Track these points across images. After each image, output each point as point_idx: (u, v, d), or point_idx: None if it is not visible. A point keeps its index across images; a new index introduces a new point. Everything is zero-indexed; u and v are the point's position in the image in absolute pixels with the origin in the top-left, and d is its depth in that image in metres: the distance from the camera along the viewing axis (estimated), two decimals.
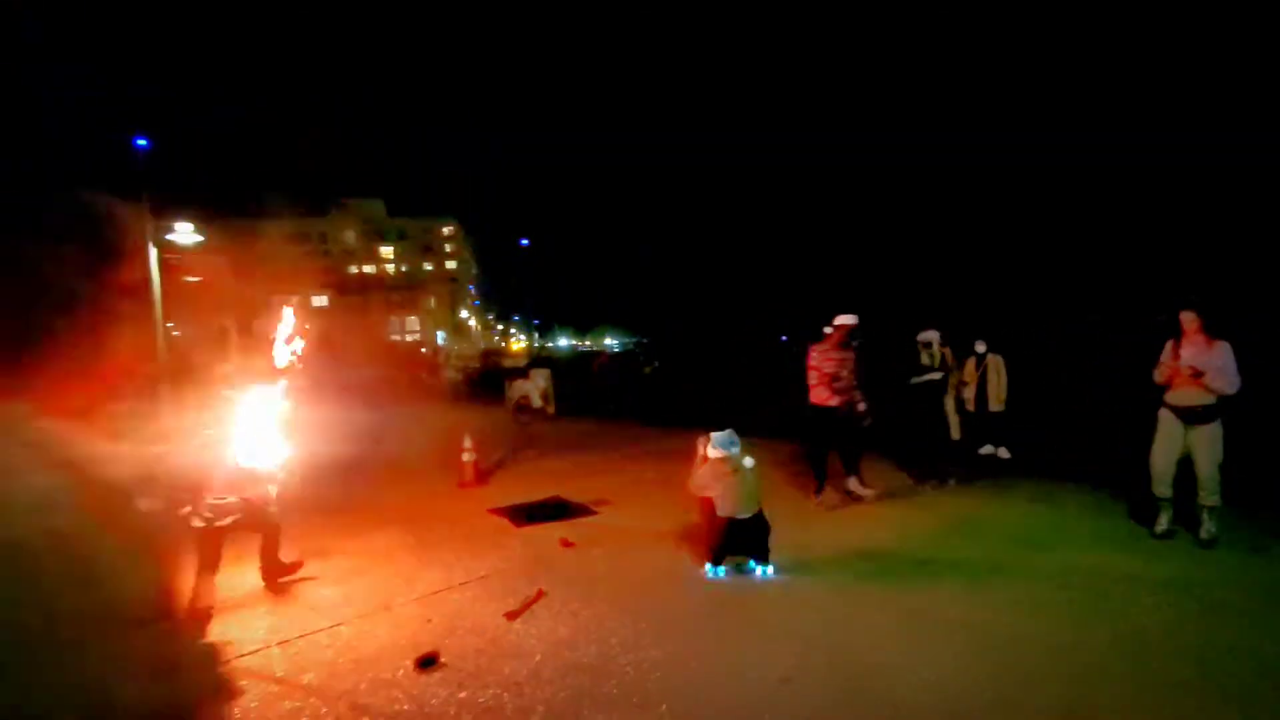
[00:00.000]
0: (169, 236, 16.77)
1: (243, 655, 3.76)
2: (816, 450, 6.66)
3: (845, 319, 6.58)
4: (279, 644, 3.88)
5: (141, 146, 15.18)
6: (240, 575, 5.16)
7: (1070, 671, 3.28)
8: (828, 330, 6.63)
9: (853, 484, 6.69)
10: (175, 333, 16.91)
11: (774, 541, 4.74)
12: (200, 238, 17.05)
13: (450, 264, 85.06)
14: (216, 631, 4.08)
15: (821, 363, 6.52)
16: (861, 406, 6.55)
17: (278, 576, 4.90)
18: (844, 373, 6.54)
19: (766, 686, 3.23)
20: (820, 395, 6.48)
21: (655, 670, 3.42)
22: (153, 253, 15.98)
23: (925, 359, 7.75)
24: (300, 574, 5.03)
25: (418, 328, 70.30)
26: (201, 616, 4.20)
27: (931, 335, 7.83)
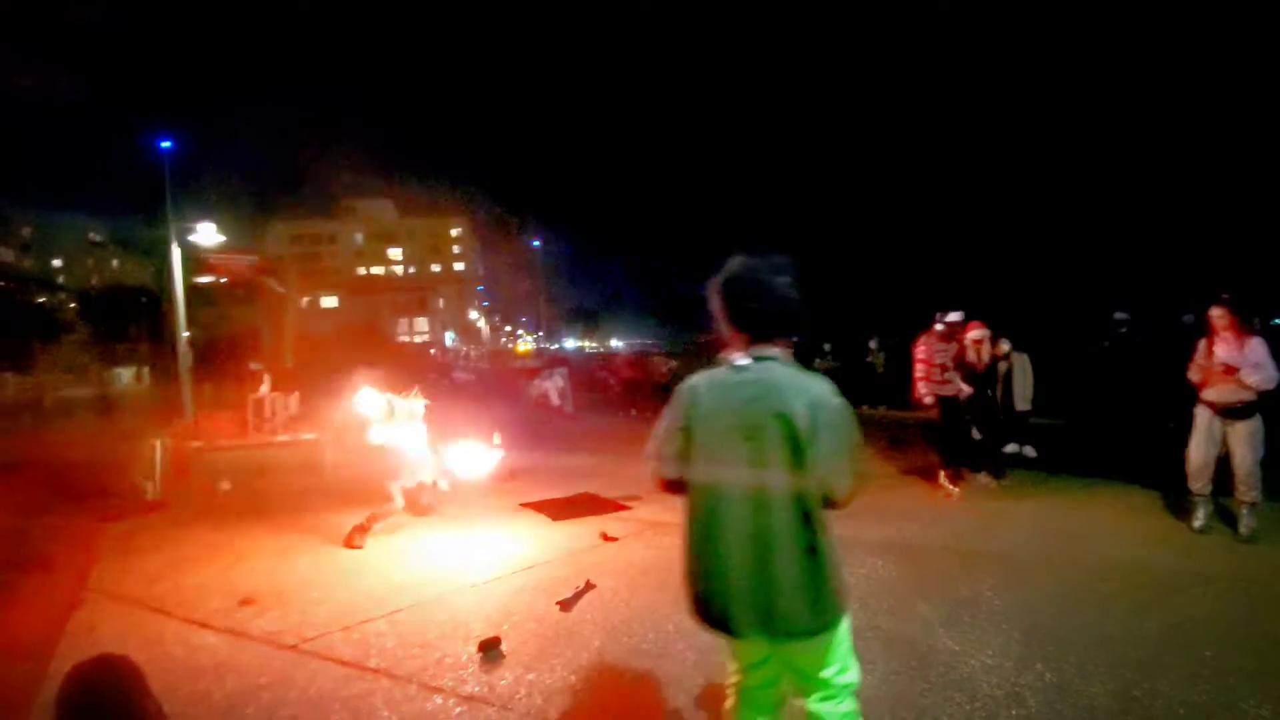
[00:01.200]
0: (191, 238, 16.93)
1: (307, 639, 3.85)
2: (954, 441, 7.03)
3: (954, 316, 7.01)
4: (341, 629, 3.97)
5: (166, 148, 15.39)
6: (295, 563, 5.27)
7: (1125, 659, 3.33)
8: (938, 327, 6.98)
9: (941, 478, 6.92)
10: (186, 334, 17.04)
11: None
12: (222, 239, 17.19)
13: (459, 265, 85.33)
14: (277, 618, 4.18)
15: (931, 354, 6.87)
16: (927, 400, 6.92)
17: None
18: (950, 364, 6.96)
19: None
20: (931, 386, 6.83)
21: (715, 654, 3.47)
22: (176, 254, 16.14)
23: (971, 356, 7.51)
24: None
25: (427, 329, 70.57)
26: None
27: (983, 333, 7.59)
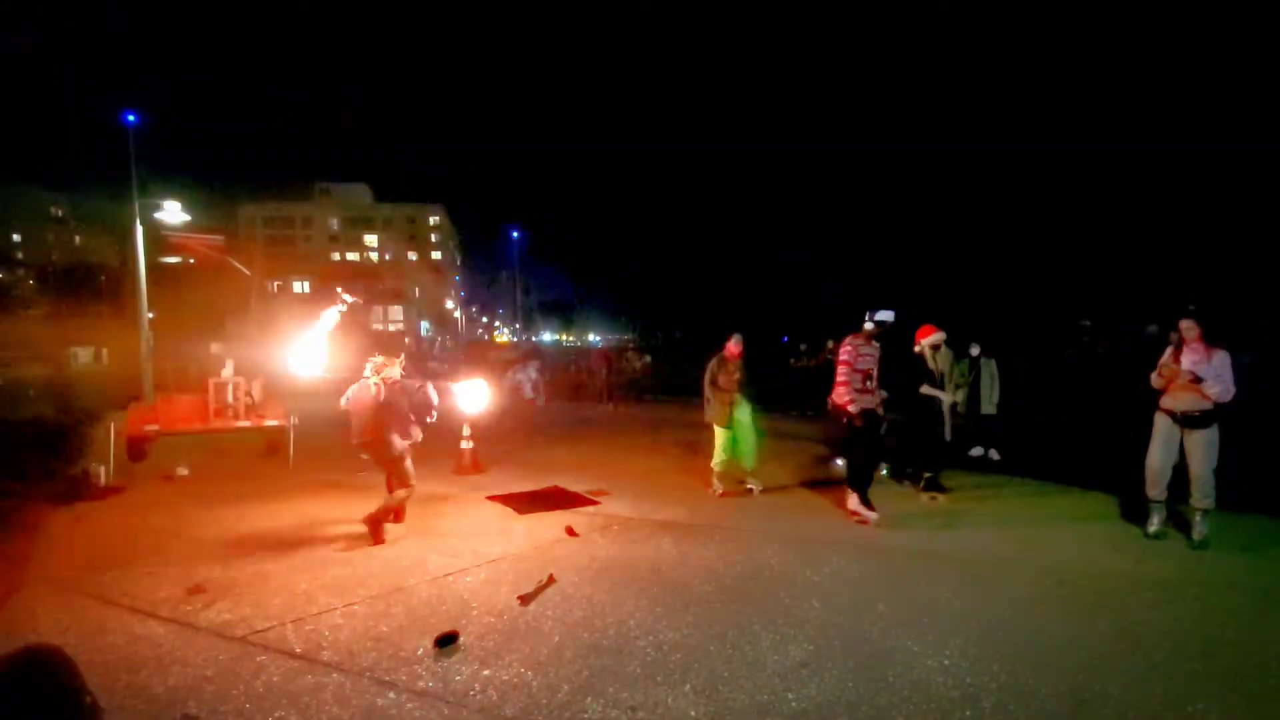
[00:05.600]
0: (156, 215, 16.45)
1: (258, 631, 3.74)
2: (864, 460, 6.10)
3: (886, 315, 6.11)
4: (293, 621, 3.86)
5: (131, 122, 14.89)
6: (250, 552, 5.13)
7: (1077, 661, 3.37)
8: (868, 326, 6.10)
9: (854, 502, 6.03)
10: (149, 314, 16.58)
11: (772, 531, 4.78)
12: (187, 217, 16.73)
13: (436, 254, 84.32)
14: (227, 608, 4.06)
15: (857, 358, 5.98)
16: (853, 410, 5.96)
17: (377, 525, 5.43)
18: (876, 371, 6.09)
19: (787, 669, 3.29)
20: (852, 395, 5.94)
21: (675, 652, 3.47)
22: (139, 231, 15.66)
23: (931, 364, 7.02)
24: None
25: (401, 317, 69.65)
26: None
27: (939, 337, 7.34)
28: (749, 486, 7.07)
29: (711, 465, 7.07)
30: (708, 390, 6.98)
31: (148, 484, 7.59)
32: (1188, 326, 5.19)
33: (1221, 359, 5.04)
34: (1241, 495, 5.75)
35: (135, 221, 15.31)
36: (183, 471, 8.05)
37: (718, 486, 6.99)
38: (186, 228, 17.58)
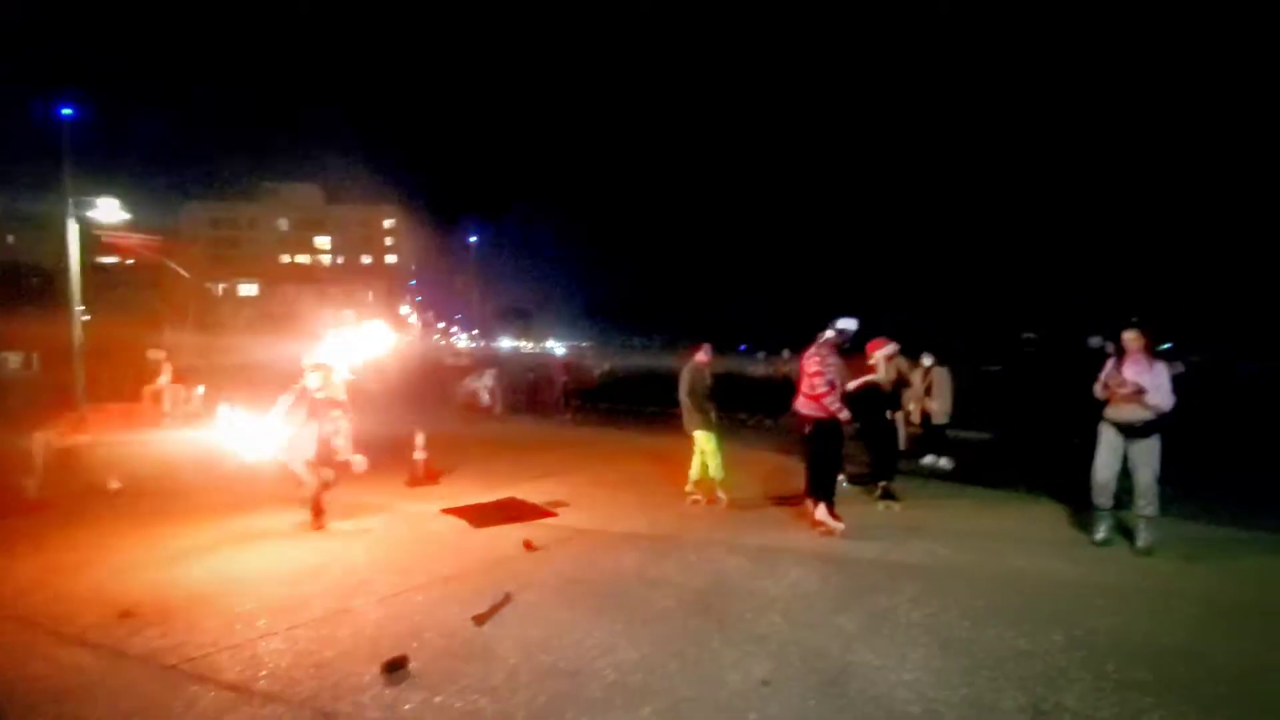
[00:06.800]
0: (90, 214, 15.66)
1: (190, 659, 3.52)
2: (827, 469, 6.11)
3: (848, 323, 6.14)
4: (230, 647, 3.65)
5: (66, 115, 14.18)
6: (186, 572, 4.87)
7: (1034, 672, 3.40)
8: (829, 334, 6.12)
9: (821, 512, 5.99)
10: (85, 317, 15.78)
11: (732, 542, 4.74)
12: (126, 215, 15.98)
13: (390, 258, 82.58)
14: (159, 634, 3.82)
15: (824, 368, 5.97)
16: (845, 415, 6.06)
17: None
18: (839, 381, 6.07)
19: (748, 687, 3.23)
20: (820, 405, 5.95)
21: (635, 672, 3.38)
22: (72, 229, 14.88)
23: (883, 374, 7.06)
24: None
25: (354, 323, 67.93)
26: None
27: (893, 348, 7.41)
28: (695, 498, 6.97)
29: (690, 474, 6.99)
30: (686, 399, 6.82)
31: (79, 498, 7.17)
32: (1132, 337, 5.34)
33: (1160, 369, 5.21)
34: (1183, 503, 5.96)
35: (69, 219, 14.56)
36: (116, 485, 7.64)
37: (699, 497, 6.95)
38: (126, 227, 16.82)
